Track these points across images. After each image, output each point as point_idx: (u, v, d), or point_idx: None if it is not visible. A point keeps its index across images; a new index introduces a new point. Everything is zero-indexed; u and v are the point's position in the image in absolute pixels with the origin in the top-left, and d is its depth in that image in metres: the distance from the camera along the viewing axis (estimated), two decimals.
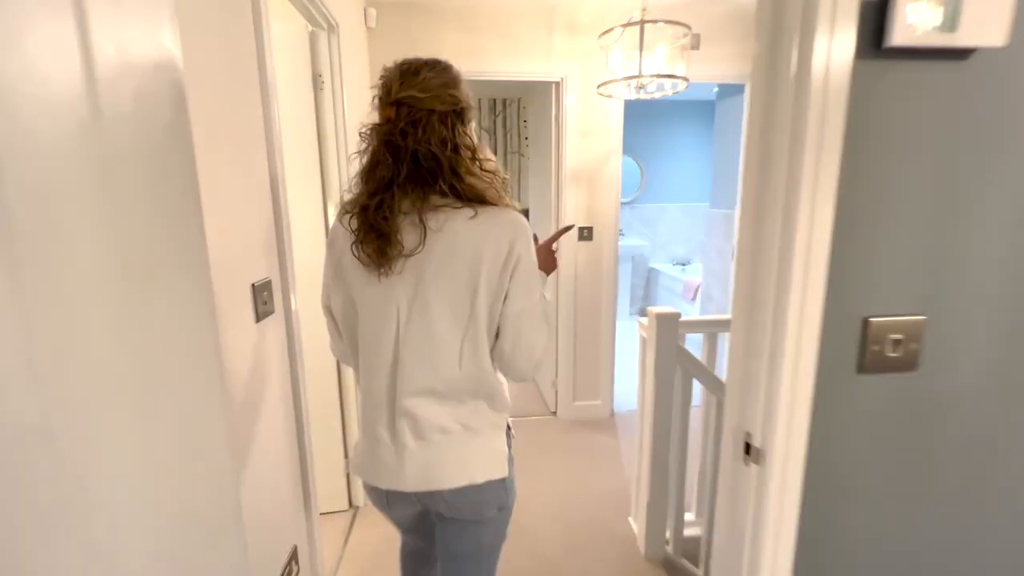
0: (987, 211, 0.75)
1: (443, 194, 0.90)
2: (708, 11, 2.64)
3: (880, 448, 0.81)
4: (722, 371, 2.05)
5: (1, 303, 0.34)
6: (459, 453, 0.97)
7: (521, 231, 0.92)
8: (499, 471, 0.99)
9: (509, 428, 1.07)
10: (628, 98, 2.37)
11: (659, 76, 2.01)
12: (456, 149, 0.91)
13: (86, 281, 0.42)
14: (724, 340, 1.95)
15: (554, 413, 3.20)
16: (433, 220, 0.89)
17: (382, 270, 0.90)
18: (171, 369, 0.53)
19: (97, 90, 0.43)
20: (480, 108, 4.84)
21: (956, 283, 0.77)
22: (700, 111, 5.36)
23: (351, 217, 0.92)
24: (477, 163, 0.93)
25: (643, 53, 2.04)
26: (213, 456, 0.61)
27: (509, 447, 1.05)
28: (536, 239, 1.00)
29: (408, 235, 0.89)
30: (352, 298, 0.96)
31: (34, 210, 0.36)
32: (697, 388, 1.84)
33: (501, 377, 1.01)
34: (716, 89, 4.15)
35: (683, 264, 5.51)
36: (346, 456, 2.20)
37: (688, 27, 2.04)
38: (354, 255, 0.91)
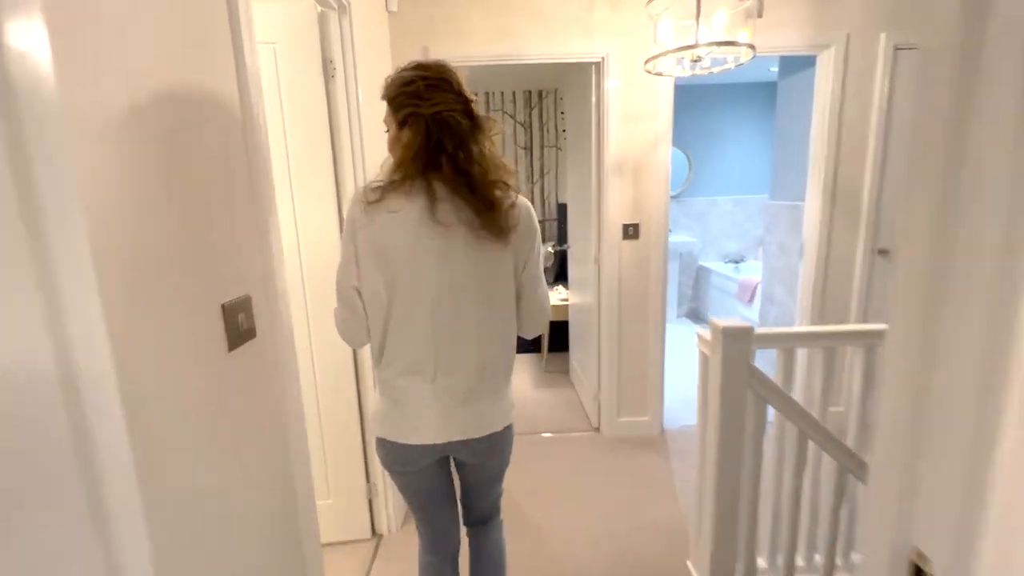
0: None
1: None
2: None
3: None
4: (797, 392, 1.73)
5: None
6: (488, 408, 1.15)
7: None
8: (510, 418, 1.22)
9: None
10: (680, 75, 2.06)
11: (720, 43, 1.70)
12: None
13: None
14: (802, 355, 1.64)
15: (597, 429, 2.92)
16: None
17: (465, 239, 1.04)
18: None
19: None
20: (515, 101, 4.58)
21: None
22: (753, 94, 4.91)
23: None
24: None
25: (700, 21, 1.74)
26: None
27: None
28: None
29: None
30: (392, 279, 1.04)
31: None
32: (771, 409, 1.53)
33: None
34: (775, 69, 3.73)
35: (736, 262, 5.08)
36: (368, 480, 2.01)
37: None
38: (432, 222, 1.02)
